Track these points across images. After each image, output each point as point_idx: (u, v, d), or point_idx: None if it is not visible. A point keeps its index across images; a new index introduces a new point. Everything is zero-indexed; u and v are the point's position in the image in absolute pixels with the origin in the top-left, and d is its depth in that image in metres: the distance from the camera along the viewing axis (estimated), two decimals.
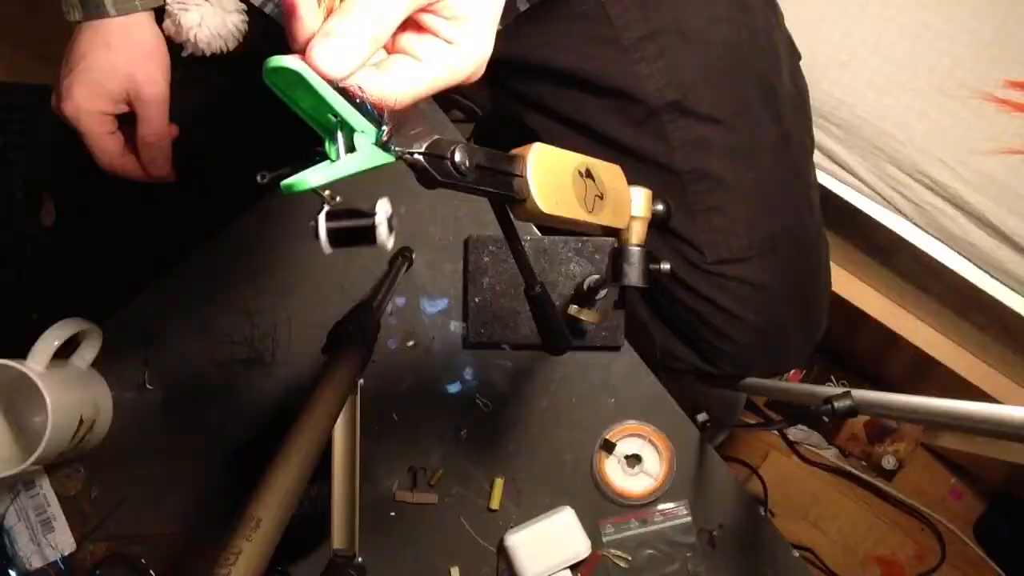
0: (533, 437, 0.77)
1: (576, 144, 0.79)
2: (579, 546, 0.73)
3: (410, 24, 0.41)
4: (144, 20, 0.71)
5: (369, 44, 0.36)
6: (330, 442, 0.75)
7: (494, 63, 0.94)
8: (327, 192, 0.45)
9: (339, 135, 0.38)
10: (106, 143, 0.71)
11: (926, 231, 1.03)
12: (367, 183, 0.41)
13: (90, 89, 0.69)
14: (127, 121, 0.73)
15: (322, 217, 0.43)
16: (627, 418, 0.77)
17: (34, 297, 0.83)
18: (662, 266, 0.59)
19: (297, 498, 0.51)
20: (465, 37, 0.41)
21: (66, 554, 0.76)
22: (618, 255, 0.58)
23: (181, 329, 0.79)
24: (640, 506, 0.76)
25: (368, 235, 0.44)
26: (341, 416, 0.69)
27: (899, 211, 1.04)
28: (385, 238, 0.44)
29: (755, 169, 0.79)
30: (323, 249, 0.43)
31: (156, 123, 0.72)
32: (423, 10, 0.40)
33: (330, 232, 0.43)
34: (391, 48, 0.41)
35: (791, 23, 0.87)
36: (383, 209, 0.44)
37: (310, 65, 0.35)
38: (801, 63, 0.88)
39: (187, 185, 0.80)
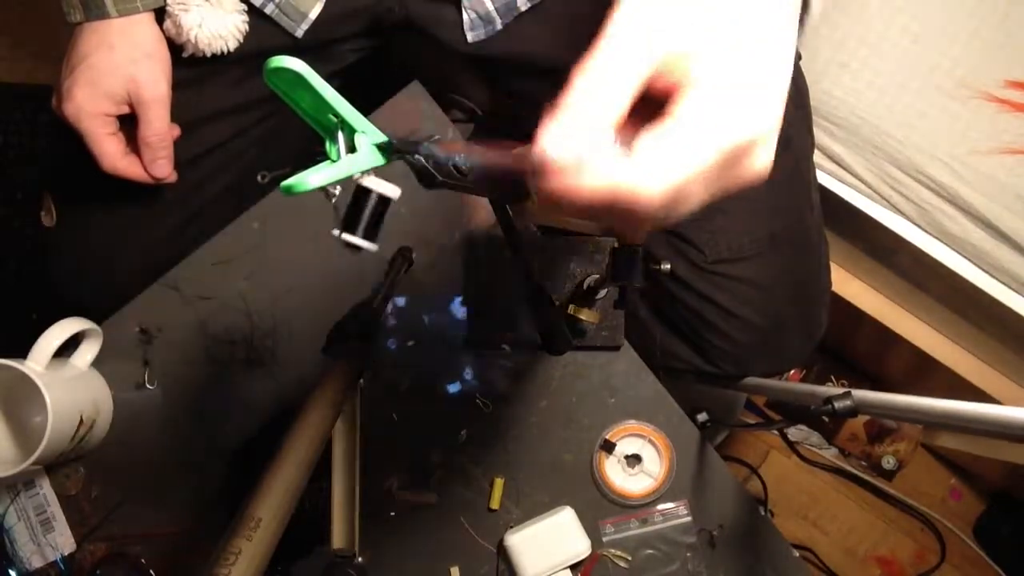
0: (533, 437, 0.77)
1: None
2: (579, 546, 0.73)
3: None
4: (145, 21, 0.71)
5: (594, 129, 0.30)
6: (330, 442, 0.75)
7: (494, 63, 0.93)
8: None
9: (339, 135, 0.38)
10: (107, 144, 0.71)
11: (926, 231, 1.03)
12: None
13: (91, 90, 0.69)
14: (128, 122, 0.73)
15: (346, 236, 0.42)
16: (627, 418, 0.77)
17: (34, 297, 0.83)
18: (662, 266, 0.59)
19: (297, 498, 0.51)
20: (719, 71, 0.31)
21: (66, 554, 0.76)
22: (618, 255, 0.58)
23: (181, 329, 0.79)
24: (640, 506, 0.76)
25: (383, 204, 0.44)
26: (341, 416, 0.69)
27: (899, 211, 1.04)
28: (391, 191, 0.44)
29: None
30: (372, 250, 0.43)
31: (157, 124, 0.72)
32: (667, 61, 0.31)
33: (365, 235, 0.43)
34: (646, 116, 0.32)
35: None
36: (366, 180, 0.44)
37: (544, 155, 0.30)
38: (801, 63, 0.88)
39: (187, 185, 0.80)
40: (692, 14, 0.31)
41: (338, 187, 0.39)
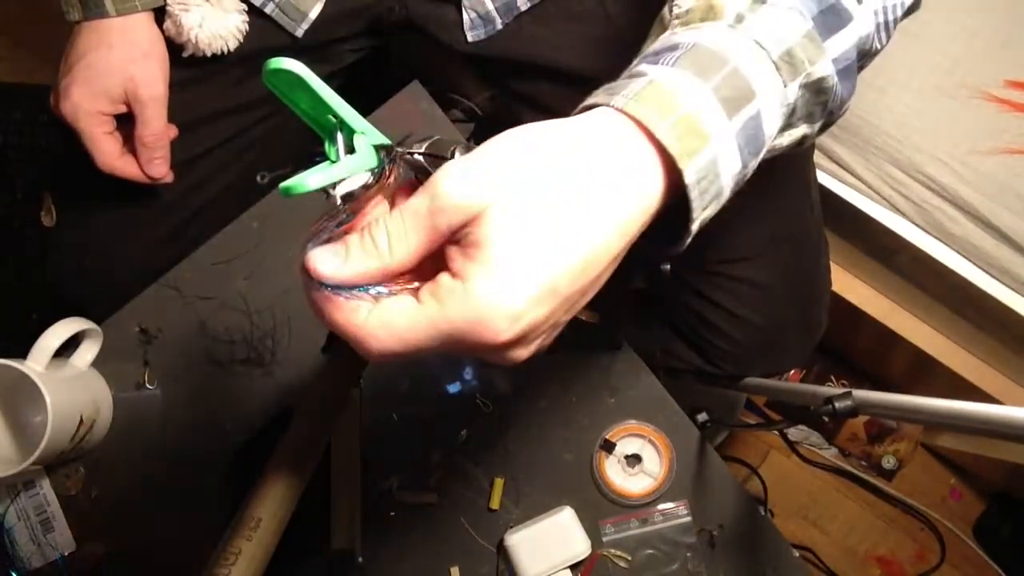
0: (533, 437, 0.77)
1: None
2: (579, 546, 0.73)
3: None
4: (144, 20, 0.71)
5: (360, 275, 0.33)
6: (330, 442, 0.75)
7: (494, 63, 0.93)
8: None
9: (339, 136, 0.38)
10: (104, 143, 0.71)
11: (926, 231, 1.03)
12: None
13: (88, 89, 0.69)
14: (126, 121, 0.73)
15: None
16: (627, 418, 0.77)
17: (34, 297, 0.83)
18: (662, 266, 0.59)
19: (297, 498, 0.51)
20: (477, 273, 0.32)
21: (66, 554, 0.76)
22: None
23: (181, 329, 0.79)
24: (640, 506, 0.76)
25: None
26: (341, 416, 0.70)
27: (899, 211, 1.03)
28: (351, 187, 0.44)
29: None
30: None
31: (154, 124, 0.72)
32: (450, 240, 0.33)
33: None
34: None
35: None
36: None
37: (312, 264, 0.33)
38: None
39: (187, 185, 0.80)
40: (501, 215, 0.32)
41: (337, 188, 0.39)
